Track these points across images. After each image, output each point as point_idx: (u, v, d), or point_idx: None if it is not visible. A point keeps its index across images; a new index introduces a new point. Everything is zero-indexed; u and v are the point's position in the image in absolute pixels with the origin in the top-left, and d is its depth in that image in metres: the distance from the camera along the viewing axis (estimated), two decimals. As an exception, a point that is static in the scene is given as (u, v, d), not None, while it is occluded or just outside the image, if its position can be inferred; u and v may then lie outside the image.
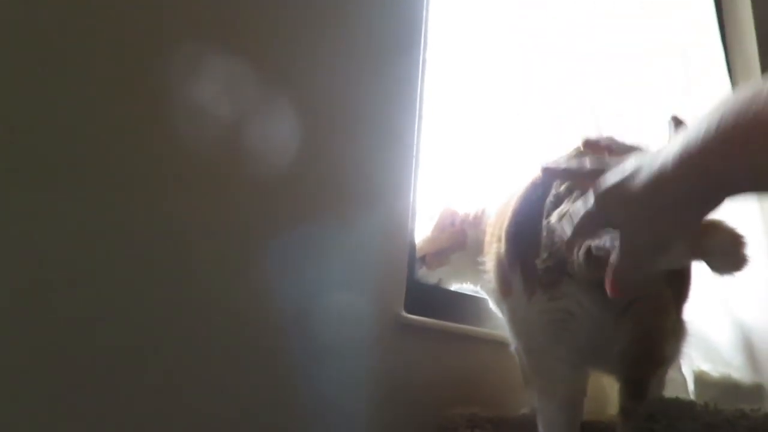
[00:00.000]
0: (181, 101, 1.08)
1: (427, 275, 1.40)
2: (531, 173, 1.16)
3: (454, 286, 1.46)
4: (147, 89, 1.07)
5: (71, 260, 0.98)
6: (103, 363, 0.98)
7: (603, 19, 1.68)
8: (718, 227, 0.76)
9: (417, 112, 1.43)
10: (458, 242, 1.34)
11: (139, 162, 1.07)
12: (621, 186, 0.71)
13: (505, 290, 1.13)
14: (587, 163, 0.83)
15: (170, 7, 1.13)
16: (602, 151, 0.92)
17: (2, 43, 0.96)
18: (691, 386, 1.39)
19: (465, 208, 1.40)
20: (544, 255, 1.01)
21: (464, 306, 1.41)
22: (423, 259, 1.41)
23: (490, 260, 1.19)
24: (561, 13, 1.64)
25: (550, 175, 0.96)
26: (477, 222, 1.35)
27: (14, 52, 0.97)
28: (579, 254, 0.85)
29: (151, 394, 1.01)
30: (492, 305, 1.27)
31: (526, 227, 1.08)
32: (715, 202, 0.65)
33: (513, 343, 1.19)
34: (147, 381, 1.01)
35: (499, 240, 1.15)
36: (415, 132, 1.42)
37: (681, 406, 0.94)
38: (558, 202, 1.00)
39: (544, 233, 1.01)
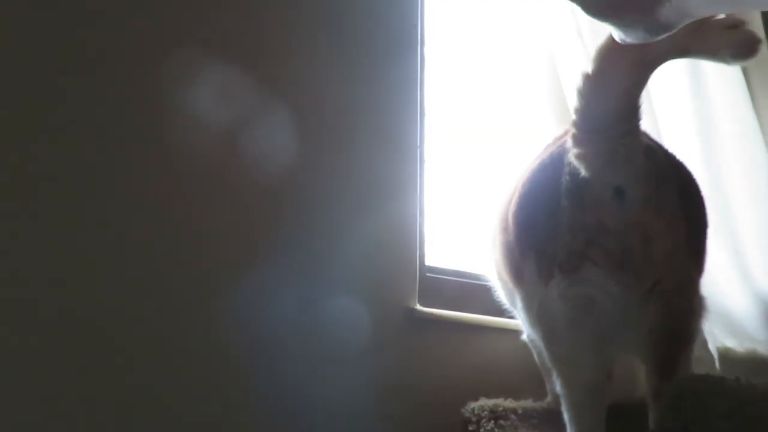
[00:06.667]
0: (181, 108, 1.08)
1: None
2: (533, 156, 1.14)
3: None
4: (146, 96, 1.07)
5: (68, 260, 0.98)
6: (98, 362, 0.97)
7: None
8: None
9: (419, 108, 1.43)
10: None
11: (141, 165, 1.07)
12: None
13: (517, 279, 1.09)
14: None
15: (168, 13, 1.13)
16: None
17: (5, 51, 0.96)
18: (717, 364, 1.36)
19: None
20: (567, 238, 0.98)
21: (481, 296, 1.38)
22: None
23: (496, 251, 1.16)
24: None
25: None
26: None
27: (17, 59, 0.97)
28: None
29: (151, 393, 1.01)
30: (501, 296, 1.24)
31: (536, 211, 1.05)
32: None
33: (527, 332, 1.16)
34: (147, 378, 1.01)
35: (505, 230, 1.11)
36: (418, 127, 1.42)
37: (710, 382, 0.91)
38: (575, 180, 0.97)
39: (567, 215, 0.98)
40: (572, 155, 0.96)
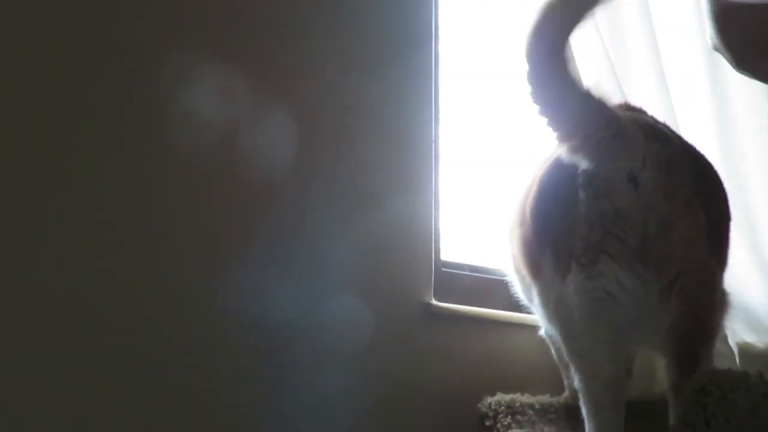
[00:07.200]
0: (191, 108, 1.07)
1: None
2: (550, 150, 1.12)
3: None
4: (155, 93, 1.06)
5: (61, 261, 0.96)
6: (95, 362, 0.96)
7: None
8: None
9: (433, 103, 1.42)
10: None
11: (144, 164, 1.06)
12: None
13: (534, 273, 1.09)
14: None
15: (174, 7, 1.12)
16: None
17: (4, 50, 0.96)
18: (737, 359, 1.34)
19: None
20: (584, 230, 0.97)
21: (497, 291, 1.38)
22: None
23: (514, 245, 1.16)
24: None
25: None
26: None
27: (14, 59, 0.96)
28: None
29: (152, 393, 1.00)
30: (518, 290, 1.23)
31: (553, 205, 1.04)
32: None
33: (544, 327, 1.15)
34: (146, 382, 1.00)
35: (522, 225, 1.11)
36: (432, 122, 1.41)
37: (733, 377, 0.90)
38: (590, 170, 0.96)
39: (584, 206, 0.97)
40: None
